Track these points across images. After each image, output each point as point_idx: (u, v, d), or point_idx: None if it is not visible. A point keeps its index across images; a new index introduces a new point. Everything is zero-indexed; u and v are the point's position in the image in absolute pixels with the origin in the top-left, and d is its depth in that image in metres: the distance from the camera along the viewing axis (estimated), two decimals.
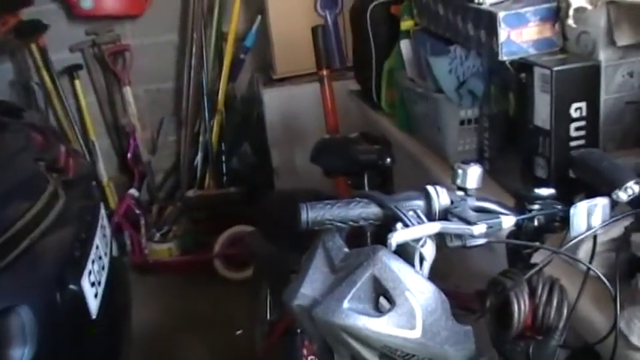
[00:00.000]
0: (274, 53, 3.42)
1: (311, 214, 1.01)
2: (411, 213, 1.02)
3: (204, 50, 3.69)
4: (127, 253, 3.55)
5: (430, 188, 1.06)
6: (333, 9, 3.34)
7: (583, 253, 1.19)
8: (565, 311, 1.05)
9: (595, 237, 1.12)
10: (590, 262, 1.10)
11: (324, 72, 2.64)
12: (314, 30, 2.65)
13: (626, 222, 1.14)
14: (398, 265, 0.98)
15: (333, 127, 2.64)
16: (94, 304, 1.87)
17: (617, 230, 1.19)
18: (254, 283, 2.39)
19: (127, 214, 3.65)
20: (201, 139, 3.81)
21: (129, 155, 3.83)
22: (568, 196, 1.12)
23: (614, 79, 1.52)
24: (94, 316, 1.86)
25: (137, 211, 3.67)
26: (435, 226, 1.00)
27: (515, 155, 1.60)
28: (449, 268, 1.11)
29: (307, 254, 1.09)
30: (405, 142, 2.11)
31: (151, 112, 3.91)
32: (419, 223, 1.01)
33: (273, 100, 3.45)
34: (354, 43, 2.53)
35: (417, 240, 1.00)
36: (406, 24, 2.07)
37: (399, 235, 0.97)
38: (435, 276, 1.03)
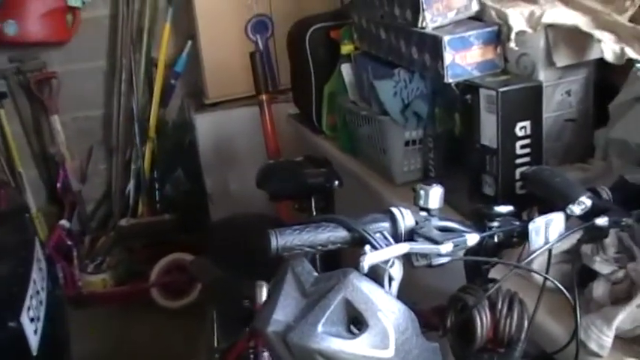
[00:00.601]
0: (206, 78, 3.41)
1: (280, 240, 1.01)
2: (378, 235, 1.04)
3: (133, 76, 3.65)
4: (60, 286, 3.45)
5: (395, 210, 1.08)
6: (264, 33, 3.36)
7: (537, 266, 1.23)
8: (525, 323, 1.09)
9: (550, 250, 1.16)
10: (547, 274, 1.15)
11: (264, 97, 2.65)
12: (252, 55, 2.66)
13: (577, 235, 1.19)
14: (369, 287, 1.00)
15: (275, 152, 2.65)
16: (34, 341, 1.83)
17: (568, 243, 1.24)
18: (199, 310, 2.37)
19: (59, 246, 3.55)
20: (132, 166, 3.76)
21: (58, 185, 3.73)
22: (517, 211, 1.16)
23: (553, 98, 1.59)
24: (34, 353, 1.82)
25: (69, 243, 3.57)
26: (404, 247, 1.02)
27: (460, 174, 1.65)
28: (405, 287, 1.14)
29: (275, 280, 1.09)
30: (348, 165, 2.14)
31: (79, 140, 3.82)
32: (386, 244, 1.02)
33: (205, 125, 3.44)
34: (292, 68, 2.55)
35: (386, 261, 1.02)
36: (346, 48, 2.11)
37: (370, 258, 0.98)
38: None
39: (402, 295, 1.05)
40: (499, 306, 1.09)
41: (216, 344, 2.20)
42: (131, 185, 3.78)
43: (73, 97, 3.72)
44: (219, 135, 3.41)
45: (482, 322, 1.07)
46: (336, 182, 1.83)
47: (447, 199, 1.59)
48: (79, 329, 2.72)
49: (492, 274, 1.14)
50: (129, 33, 3.61)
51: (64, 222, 3.62)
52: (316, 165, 1.92)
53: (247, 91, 3.10)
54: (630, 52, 1.42)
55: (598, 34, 1.47)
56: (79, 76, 3.70)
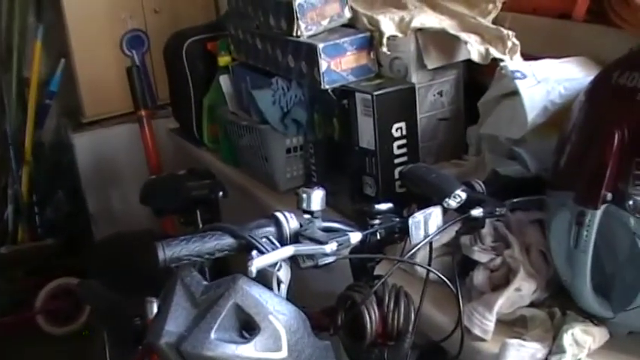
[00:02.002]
0: (82, 96, 3.32)
1: (168, 251, 1.01)
2: (264, 240, 1.05)
3: (5, 98, 3.51)
4: None
5: (279, 214, 1.10)
6: (140, 48, 3.31)
7: (420, 260, 1.28)
8: (412, 315, 1.13)
9: (431, 244, 1.21)
10: (429, 267, 1.19)
11: (143, 112, 2.62)
12: (129, 70, 2.62)
13: (455, 227, 1.25)
14: (258, 291, 1.01)
15: (156, 167, 2.61)
16: None
17: (447, 236, 1.30)
18: (90, 334, 2.31)
19: None
20: (9, 191, 3.60)
21: None
22: (398, 209, 1.21)
23: (426, 98, 1.65)
24: None
25: None
26: (290, 249, 1.04)
27: (342, 177, 1.69)
28: (296, 292, 1.16)
29: (164, 293, 1.08)
30: (231, 175, 2.14)
31: None
32: (272, 248, 1.04)
33: (84, 144, 3.34)
34: (170, 82, 2.53)
35: (273, 265, 1.04)
36: (224, 60, 2.11)
37: (258, 262, 1.00)
38: None
39: (292, 300, 1.07)
40: (386, 301, 1.12)
41: None
42: (9, 211, 3.62)
43: None
44: (99, 154, 3.33)
45: (371, 317, 1.10)
46: (221, 193, 1.84)
47: (331, 203, 1.63)
48: None
49: (378, 271, 1.17)
50: None
51: None
52: (199, 177, 1.91)
53: (126, 107, 3.04)
54: (494, 52, 1.50)
55: (464, 36, 1.54)
56: None
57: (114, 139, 3.25)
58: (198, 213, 1.88)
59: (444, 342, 1.20)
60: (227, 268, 1.21)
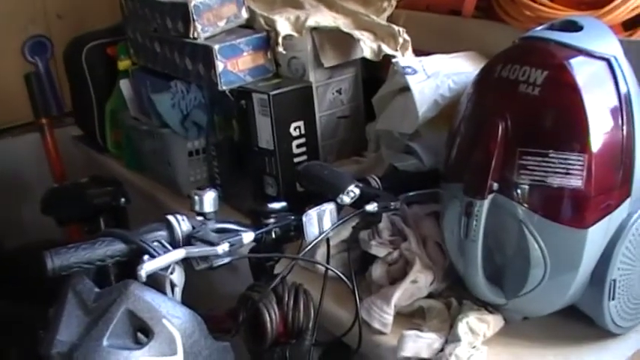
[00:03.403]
0: None
1: (56, 260, 0.99)
2: (155, 244, 1.05)
3: None
4: None
5: (171, 217, 1.09)
6: (44, 54, 3.22)
7: (319, 257, 1.30)
8: (312, 312, 1.15)
9: (328, 240, 1.23)
10: (328, 264, 1.21)
11: (44, 120, 2.55)
12: (27, 78, 2.55)
13: (353, 222, 1.26)
14: (151, 295, 1.00)
15: (60, 176, 2.56)
16: None
17: (346, 232, 1.31)
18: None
19: None
20: None
21: None
22: (300, 208, 1.21)
23: (325, 97, 1.67)
24: None
25: None
26: (181, 252, 1.03)
27: (245, 178, 1.68)
28: (197, 295, 1.15)
29: (57, 302, 1.06)
30: (135, 181, 2.11)
31: None
32: (164, 252, 1.03)
33: None
34: (71, 88, 2.47)
35: (166, 268, 1.03)
36: (124, 64, 2.08)
37: (147, 266, 0.99)
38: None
39: (187, 303, 1.07)
40: (285, 299, 1.13)
41: None
42: None
43: None
44: (4, 164, 3.22)
45: (271, 316, 1.11)
46: (123, 199, 1.81)
47: (234, 204, 1.64)
48: None
49: (278, 270, 1.18)
50: None
51: None
52: (102, 184, 1.87)
53: (32, 116, 2.96)
54: (386, 49, 1.52)
55: (357, 34, 1.56)
56: None
57: (20, 148, 3.15)
58: (101, 221, 1.85)
59: (346, 337, 1.21)
60: (133, 273, 1.20)
